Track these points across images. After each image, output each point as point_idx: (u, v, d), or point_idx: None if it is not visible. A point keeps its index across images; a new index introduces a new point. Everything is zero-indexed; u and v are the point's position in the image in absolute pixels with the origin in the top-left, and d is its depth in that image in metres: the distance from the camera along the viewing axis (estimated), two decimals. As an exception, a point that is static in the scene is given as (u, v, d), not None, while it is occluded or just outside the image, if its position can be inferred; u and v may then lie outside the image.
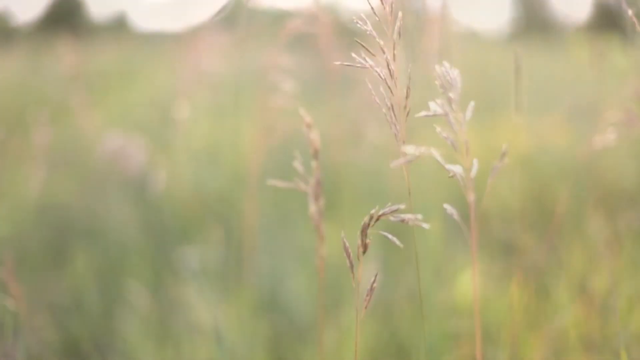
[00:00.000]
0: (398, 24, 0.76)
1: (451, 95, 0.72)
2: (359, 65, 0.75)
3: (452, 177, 0.69)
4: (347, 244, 0.74)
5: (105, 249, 1.96)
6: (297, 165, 0.76)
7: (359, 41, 0.78)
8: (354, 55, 0.75)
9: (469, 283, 1.43)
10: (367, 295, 0.75)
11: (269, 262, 1.72)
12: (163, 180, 1.36)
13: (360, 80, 1.66)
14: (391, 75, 0.75)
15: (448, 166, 0.69)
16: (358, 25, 0.80)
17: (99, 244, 1.97)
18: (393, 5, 0.78)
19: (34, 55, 5.87)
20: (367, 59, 0.76)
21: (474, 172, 0.71)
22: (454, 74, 0.73)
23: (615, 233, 1.57)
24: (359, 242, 0.73)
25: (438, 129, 0.71)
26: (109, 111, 3.25)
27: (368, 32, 0.79)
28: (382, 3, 0.77)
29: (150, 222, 1.93)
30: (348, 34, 1.28)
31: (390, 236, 0.70)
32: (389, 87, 0.74)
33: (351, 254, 0.74)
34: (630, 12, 1.01)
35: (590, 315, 1.29)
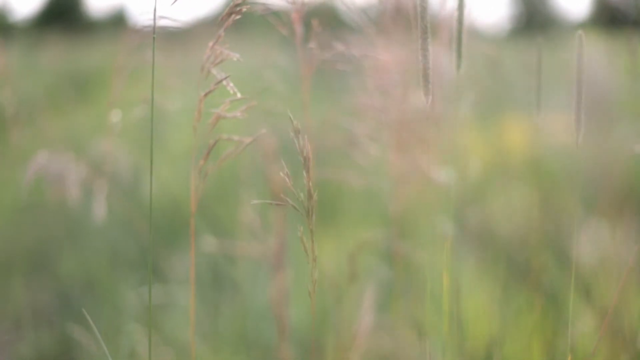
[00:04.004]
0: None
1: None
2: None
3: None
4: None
5: (90, 256, 1.91)
6: (285, 177, 0.67)
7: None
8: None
9: (476, 305, 1.37)
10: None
11: (259, 271, 1.67)
12: (103, 203, 1.29)
13: (357, 79, 1.59)
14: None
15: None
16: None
17: (85, 250, 1.93)
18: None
19: (29, 51, 5.83)
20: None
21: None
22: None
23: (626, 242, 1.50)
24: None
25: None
26: (98, 111, 3.19)
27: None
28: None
29: (138, 227, 1.87)
30: (344, 30, 1.21)
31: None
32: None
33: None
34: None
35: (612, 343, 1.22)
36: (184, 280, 1.60)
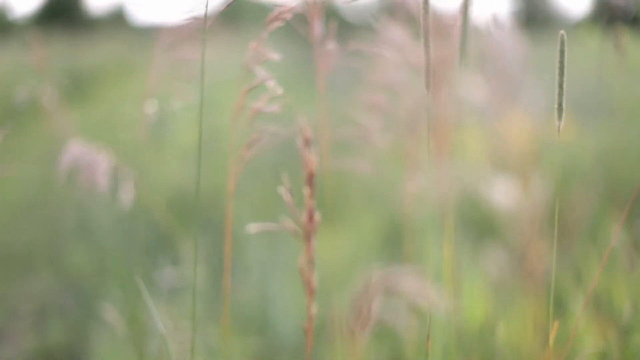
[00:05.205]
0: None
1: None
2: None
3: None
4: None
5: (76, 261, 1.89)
6: (285, 193, 0.58)
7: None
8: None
9: (477, 299, 1.32)
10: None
11: (255, 277, 1.63)
12: (132, 190, 1.24)
13: (358, 75, 1.55)
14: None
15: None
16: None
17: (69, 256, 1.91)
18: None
19: (28, 49, 5.78)
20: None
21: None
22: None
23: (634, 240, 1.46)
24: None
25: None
26: (95, 109, 3.16)
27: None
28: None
29: (125, 232, 1.85)
30: (343, 25, 1.17)
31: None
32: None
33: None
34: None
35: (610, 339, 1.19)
36: (199, 262, 1.58)
